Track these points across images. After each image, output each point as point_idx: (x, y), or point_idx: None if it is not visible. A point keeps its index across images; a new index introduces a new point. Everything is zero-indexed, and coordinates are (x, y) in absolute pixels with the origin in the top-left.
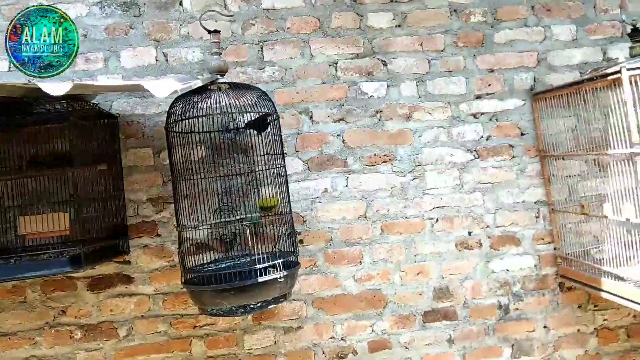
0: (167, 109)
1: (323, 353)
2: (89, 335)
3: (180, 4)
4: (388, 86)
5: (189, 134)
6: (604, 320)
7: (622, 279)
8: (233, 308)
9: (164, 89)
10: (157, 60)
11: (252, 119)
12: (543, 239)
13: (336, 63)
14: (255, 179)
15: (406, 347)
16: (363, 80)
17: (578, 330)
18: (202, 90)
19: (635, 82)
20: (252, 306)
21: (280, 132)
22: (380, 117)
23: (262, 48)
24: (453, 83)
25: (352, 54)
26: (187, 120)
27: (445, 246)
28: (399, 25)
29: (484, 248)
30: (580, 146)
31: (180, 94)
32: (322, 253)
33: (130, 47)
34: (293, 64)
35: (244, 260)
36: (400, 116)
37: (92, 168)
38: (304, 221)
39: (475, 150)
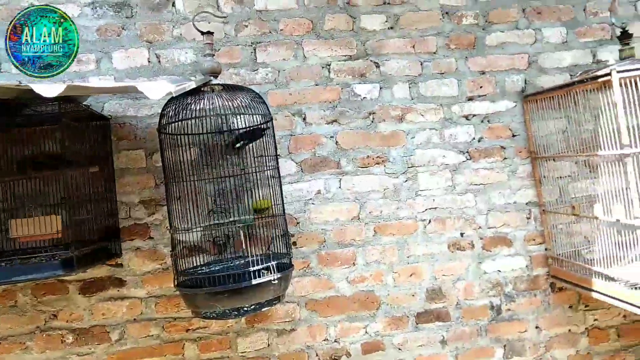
0: (160, 111)
1: (317, 355)
2: (81, 339)
3: (173, 5)
4: (381, 88)
5: (182, 136)
6: (595, 320)
7: (612, 279)
8: (226, 311)
9: (158, 90)
10: (149, 61)
11: (245, 131)
12: (534, 239)
13: (329, 65)
14: (248, 180)
15: (399, 349)
16: (356, 82)
17: (569, 330)
18: (195, 92)
19: (625, 84)
20: (245, 309)
21: (274, 133)
22: (373, 118)
23: (255, 50)
24: (445, 85)
25: (345, 55)
26: (179, 122)
27: (438, 247)
28: (391, 28)
29: (476, 249)
30: (570, 147)
31: (174, 95)
32: (316, 255)
33: (122, 49)
34: (286, 65)
35: (237, 262)
36: (393, 118)
37: (84, 170)
38: (297, 223)
39: (467, 152)
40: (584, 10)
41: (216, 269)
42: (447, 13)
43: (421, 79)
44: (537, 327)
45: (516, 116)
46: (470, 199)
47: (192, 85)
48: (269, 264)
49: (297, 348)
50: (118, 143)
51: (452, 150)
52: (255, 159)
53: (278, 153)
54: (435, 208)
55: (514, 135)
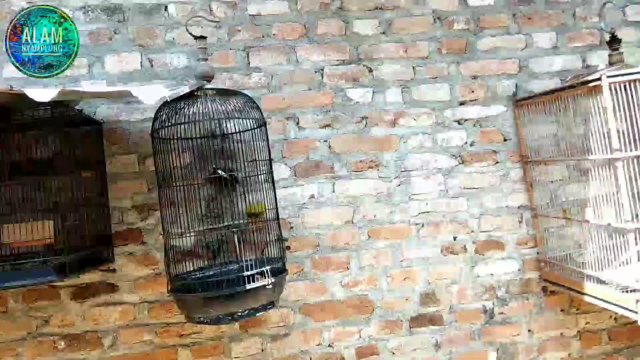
0: (153, 115)
1: None
2: (73, 345)
3: (166, 9)
4: (374, 92)
5: (175, 140)
6: (587, 323)
7: (603, 282)
8: (220, 316)
9: (152, 95)
10: (142, 65)
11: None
12: (526, 243)
13: (322, 69)
14: (242, 185)
15: (393, 353)
16: (349, 87)
17: (561, 333)
18: (189, 96)
19: (615, 89)
20: (239, 314)
21: (267, 138)
22: (366, 123)
23: (248, 54)
24: (437, 89)
25: (338, 60)
26: (173, 127)
27: (431, 251)
28: (384, 32)
29: (469, 253)
30: (561, 152)
31: (168, 100)
32: (309, 259)
33: (114, 53)
34: (279, 70)
35: (231, 267)
36: (385, 122)
37: (76, 175)
38: (291, 227)
39: (459, 156)
40: (574, 15)
41: (210, 273)
42: (438, 18)
43: (413, 84)
44: (529, 331)
45: (507, 120)
46: (463, 202)
47: (185, 89)
48: (263, 268)
49: (291, 353)
50: (110, 148)
51: (445, 154)
52: (249, 163)
53: (272, 157)
54: (428, 212)
55: (505, 140)
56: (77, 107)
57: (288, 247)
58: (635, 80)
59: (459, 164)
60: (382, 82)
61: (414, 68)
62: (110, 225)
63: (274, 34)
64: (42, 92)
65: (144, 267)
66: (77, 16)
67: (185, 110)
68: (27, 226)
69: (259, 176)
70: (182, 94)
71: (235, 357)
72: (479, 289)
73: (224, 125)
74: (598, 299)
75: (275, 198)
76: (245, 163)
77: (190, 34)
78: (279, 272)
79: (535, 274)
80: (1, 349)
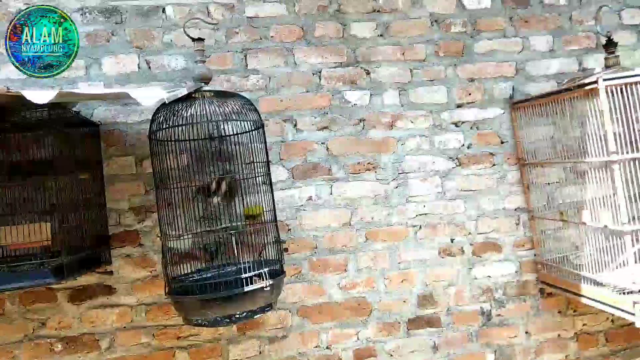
0: (150, 117)
1: None
2: (70, 347)
3: (163, 11)
4: (371, 95)
5: (173, 142)
6: (583, 325)
7: (600, 284)
8: (218, 318)
9: (151, 97)
10: (139, 67)
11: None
12: (523, 245)
13: (320, 72)
14: (239, 187)
15: (391, 355)
16: (346, 89)
17: (558, 335)
18: (186, 98)
19: (611, 92)
20: (237, 316)
21: (265, 140)
22: (364, 125)
23: (246, 56)
24: (434, 92)
25: (335, 62)
26: (170, 129)
27: (429, 253)
28: (381, 35)
29: (466, 255)
30: (558, 154)
31: (166, 102)
32: (307, 261)
33: (112, 54)
34: (277, 72)
35: (229, 269)
36: (383, 124)
37: (73, 177)
38: (289, 229)
39: (456, 158)
40: (570, 19)
41: (208, 276)
42: (436, 21)
43: (411, 86)
44: (527, 332)
45: (504, 123)
46: (460, 205)
47: (184, 91)
48: (261, 270)
49: (289, 355)
50: (108, 149)
51: (442, 156)
52: (247, 165)
53: (269, 159)
54: (425, 214)
55: (502, 142)
56: (74, 109)
57: (286, 249)
58: (631, 83)
59: (456, 166)
60: (379, 85)
61: (411, 71)
62: (107, 227)
63: (271, 36)
64: (40, 94)
65: (141, 269)
66: (74, 18)
67: (183, 112)
68: (24, 228)
69: (257, 178)
70: (180, 96)
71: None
72: (476, 291)
73: (222, 127)
74: (595, 300)
75: (273, 200)
76: (243, 165)
77: (188, 35)
78: (277, 274)
79: (533, 276)
80: None
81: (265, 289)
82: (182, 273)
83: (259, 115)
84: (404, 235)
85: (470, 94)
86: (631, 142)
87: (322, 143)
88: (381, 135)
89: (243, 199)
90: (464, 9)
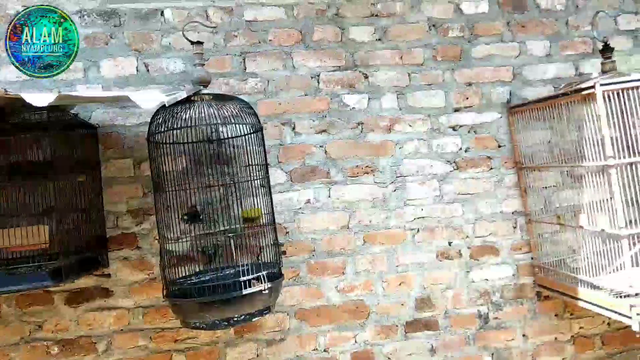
0: (149, 120)
1: None
2: (67, 350)
3: (162, 14)
4: (369, 98)
5: (171, 145)
6: (580, 328)
7: (597, 287)
8: (216, 321)
9: (151, 101)
10: (137, 70)
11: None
12: (521, 248)
13: (318, 75)
14: (238, 190)
15: (389, 358)
16: (345, 93)
17: (555, 338)
18: (185, 101)
19: (608, 97)
20: (235, 319)
21: (264, 143)
22: (362, 128)
23: (244, 59)
24: (432, 96)
25: (334, 66)
26: (169, 131)
27: (426, 256)
28: (379, 39)
29: (463, 258)
30: (555, 158)
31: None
32: (305, 264)
33: (110, 57)
34: (275, 75)
35: (227, 272)
36: (381, 128)
37: (71, 179)
38: (287, 232)
39: (454, 162)
40: (567, 24)
41: (206, 278)
42: (433, 25)
43: (409, 90)
44: (524, 335)
45: (502, 127)
46: (458, 208)
47: (183, 95)
48: (260, 273)
49: (287, 358)
50: (106, 152)
51: (440, 160)
52: (245, 168)
53: (268, 162)
54: (423, 217)
55: (499, 146)
56: (72, 111)
57: (284, 252)
58: (628, 88)
59: (454, 169)
60: (377, 89)
61: (409, 75)
62: (105, 230)
63: (270, 40)
64: (40, 97)
65: (138, 271)
66: (73, 20)
67: (182, 115)
68: (22, 231)
69: (255, 181)
70: (179, 99)
71: None
72: (473, 294)
73: (220, 130)
74: (592, 304)
75: (272, 203)
76: (242, 168)
77: (187, 39)
78: (275, 277)
79: (530, 279)
80: None
81: (263, 291)
82: (180, 276)
83: (258, 119)
84: (402, 239)
85: (467, 98)
86: (628, 147)
87: (320, 146)
88: (379, 139)
89: (241, 202)
90: (462, 14)
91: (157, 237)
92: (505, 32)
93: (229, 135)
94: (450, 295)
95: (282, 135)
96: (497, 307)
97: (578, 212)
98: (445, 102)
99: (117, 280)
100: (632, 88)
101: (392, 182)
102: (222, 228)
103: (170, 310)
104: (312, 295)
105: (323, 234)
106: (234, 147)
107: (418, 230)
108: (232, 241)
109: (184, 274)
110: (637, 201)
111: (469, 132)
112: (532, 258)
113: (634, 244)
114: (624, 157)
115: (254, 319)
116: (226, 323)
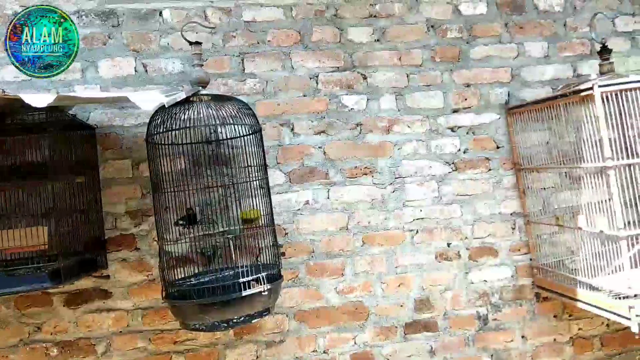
0: (147, 121)
1: None
2: (66, 352)
3: (160, 14)
4: (368, 99)
5: (170, 146)
6: (579, 329)
7: (596, 289)
8: (216, 323)
9: (150, 102)
10: (136, 70)
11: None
12: (519, 249)
13: (317, 76)
14: (237, 191)
15: (388, 359)
16: (344, 93)
17: (554, 339)
18: (184, 102)
19: (607, 98)
20: (235, 320)
21: (262, 144)
22: (361, 129)
23: (243, 60)
24: (431, 97)
25: (332, 67)
26: (167, 132)
27: (425, 257)
28: (378, 40)
29: (462, 259)
30: (553, 159)
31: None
32: (304, 265)
33: (108, 58)
34: (274, 76)
35: (226, 273)
36: (380, 129)
37: (70, 180)
38: (286, 233)
39: (453, 163)
40: (565, 25)
41: (205, 280)
42: (432, 27)
43: (407, 91)
44: (523, 337)
45: (500, 128)
46: (457, 209)
47: (182, 95)
48: (259, 275)
49: (286, 359)
50: (104, 153)
51: (438, 161)
52: (244, 169)
53: (266, 163)
54: (422, 218)
55: (498, 147)
56: (70, 112)
57: (283, 253)
58: (626, 90)
59: (453, 170)
60: (376, 89)
61: (407, 76)
62: (103, 231)
63: (268, 41)
64: (39, 97)
65: (137, 273)
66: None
67: (180, 116)
68: (21, 232)
69: (254, 182)
70: (179, 100)
71: None
72: (472, 295)
73: (219, 131)
74: (591, 305)
75: (270, 204)
76: (240, 169)
77: (186, 39)
78: (275, 278)
79: (529, 280)
80: None
81: (263, 293)
82: (179, 277)
83: (256, 119)
84: (400, 240)
85: (466, 99)
86: (626, 148)
87: (319, 147)
88: (378, 140)
89: (240, 203)
90: (460, 15)
91: (156, 238)
92: (503, 34)
93: (228, 136)
94: (449, 296)
95: (280, 136)
96: (496, 309)
97: (577, 213)
98: (443, 103)
99: (116, 281)
100: (630, 89)
101: (391, 183)
102: (221, 229)
103: (170, 311)
104: (312, 297)
105: (322, 235)
106: (232, 148)
107: (417, 232)
108: (231, 242)
109: (183, 276)
110: (635, 202)
111: (467, 133)
112: (530, 259)
113: (633, 245)
114: (623, 158)
115: (253, 321)
116: (225, 325)
